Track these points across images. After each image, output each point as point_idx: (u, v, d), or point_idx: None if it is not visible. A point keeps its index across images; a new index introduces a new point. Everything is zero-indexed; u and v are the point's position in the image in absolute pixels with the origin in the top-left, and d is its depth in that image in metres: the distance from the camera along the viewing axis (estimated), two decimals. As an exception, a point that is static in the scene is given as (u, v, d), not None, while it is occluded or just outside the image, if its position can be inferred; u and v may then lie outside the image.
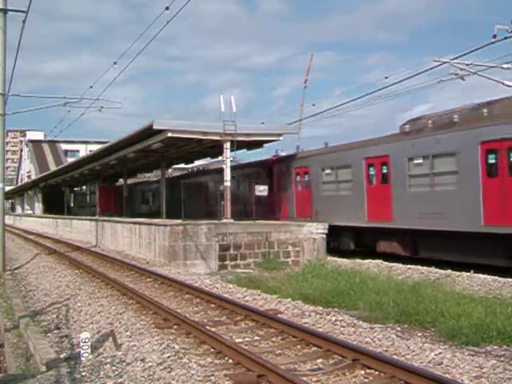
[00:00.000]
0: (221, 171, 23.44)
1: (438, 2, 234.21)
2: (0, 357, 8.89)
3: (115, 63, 20.11)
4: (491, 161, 14.64)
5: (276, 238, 19.81)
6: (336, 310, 10.80)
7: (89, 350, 7.50)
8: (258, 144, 24.81)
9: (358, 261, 18.42)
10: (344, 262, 18.42)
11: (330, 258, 19.52)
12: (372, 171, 19.48)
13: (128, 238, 24.04)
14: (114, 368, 6.96)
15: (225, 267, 18.69)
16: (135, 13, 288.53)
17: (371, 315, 10.31)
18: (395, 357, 7.16)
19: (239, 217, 22.42)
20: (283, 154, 28.02)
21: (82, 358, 7.41)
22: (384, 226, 18.85)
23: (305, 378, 6.31)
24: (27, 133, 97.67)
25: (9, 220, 59.58)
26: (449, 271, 15.32)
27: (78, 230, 34.58)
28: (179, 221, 19.93)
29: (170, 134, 20.71)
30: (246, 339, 8.47)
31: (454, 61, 21.25)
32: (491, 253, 14.96)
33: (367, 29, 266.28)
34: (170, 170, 47.40)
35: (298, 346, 7.95)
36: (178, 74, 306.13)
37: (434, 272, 15.46)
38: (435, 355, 7.14)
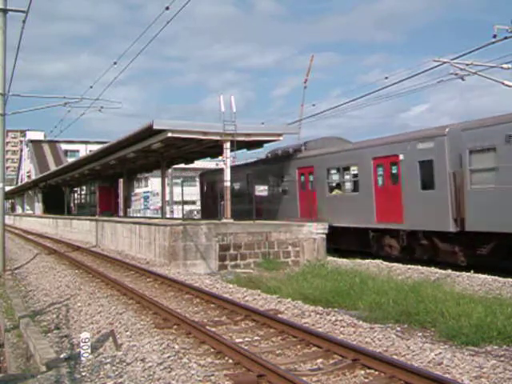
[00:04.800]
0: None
1: (437, 2, 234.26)
2: (0, 357, 8.90)
3: (115, 63, 20.13)
4: (302, 179, 24.11)
5: (276, 237, 19.80)
6: (336, 310, 10.80)
7: (89, 350, 7.50)
8: (258, 144, 24.82)
9: (358, 261, 18.42)
10: (344, 262, 18.42)
11: (329, 258, 19.52)
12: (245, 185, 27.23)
13: (128, 238, 24.04)
14: (114, 368, 6.96)
15: (225, 267, 18.68)
16: (133, 13, 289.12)
17: (371, 315, 10.32)
18: (395, 357, 7.16)
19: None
20: None
21: (82, 358, 7.41)
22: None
23: (305, 378, 6.31)
24: (27, 133, 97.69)
25: (9, 220, 59.61)
26: (449, 271, 15.31)
27: (78, 230, 34.56)
28: (179, 221, 19.93)
29: (170, 134, 20.65)
30: (246, 339, 8.47)
31: (454, 61, 21.25)
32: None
33: (366, 29, 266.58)
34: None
35: (298, 346, 7.95)
36: (178, 74, 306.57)
37: (433, 272, 15.44)
38: (435, 355, 7.14)
